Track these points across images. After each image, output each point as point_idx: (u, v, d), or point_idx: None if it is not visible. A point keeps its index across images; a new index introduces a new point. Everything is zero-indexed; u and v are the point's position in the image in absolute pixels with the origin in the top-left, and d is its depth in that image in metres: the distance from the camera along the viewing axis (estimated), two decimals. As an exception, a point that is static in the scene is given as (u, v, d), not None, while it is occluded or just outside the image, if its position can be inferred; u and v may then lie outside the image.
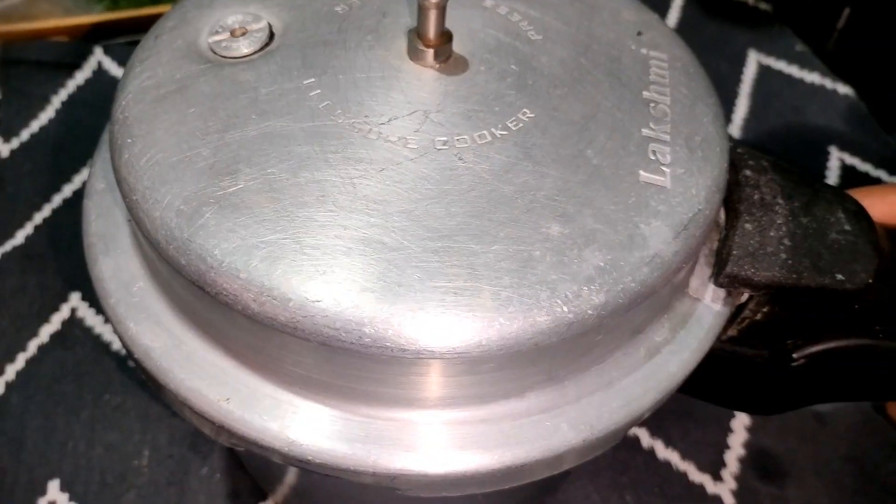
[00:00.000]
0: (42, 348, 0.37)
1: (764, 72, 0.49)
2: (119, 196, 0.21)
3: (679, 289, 0.22)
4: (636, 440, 0.35)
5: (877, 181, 0.44)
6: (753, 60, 0.50)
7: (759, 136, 0.46)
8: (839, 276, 0.22)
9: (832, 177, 0.44)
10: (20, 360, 0.36)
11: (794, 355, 0.23)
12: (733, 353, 0.23)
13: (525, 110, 0.21)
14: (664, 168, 0.20)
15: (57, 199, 0.42)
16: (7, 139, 0.44)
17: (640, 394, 0.20)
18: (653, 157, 0.20)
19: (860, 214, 0.23)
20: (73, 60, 0.47)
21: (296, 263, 0.17)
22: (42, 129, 0.45)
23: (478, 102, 0.21)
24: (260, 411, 0.19)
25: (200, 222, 0.18)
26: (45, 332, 0.37)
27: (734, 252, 0.21)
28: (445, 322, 0.17)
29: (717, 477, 0.34)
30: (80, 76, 0.47)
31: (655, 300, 0.20)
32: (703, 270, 0.22)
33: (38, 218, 0.41)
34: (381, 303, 0.17)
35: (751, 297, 0.22)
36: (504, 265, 0.18)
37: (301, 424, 0.19)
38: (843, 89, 0.48)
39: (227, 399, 0.19)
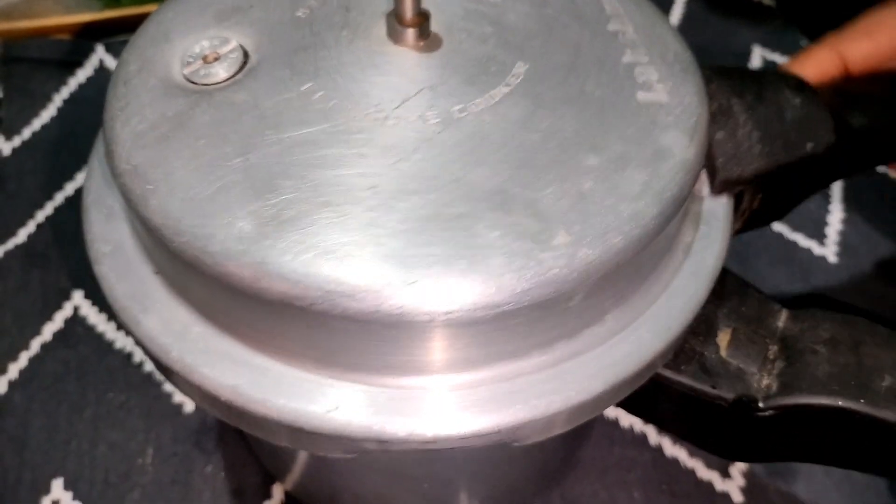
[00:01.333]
0: (45, 346, 0.36)
1: (769, 68, 0.49)
2: (135, 253, 0.21)
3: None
4: (644, 437, 0.34)
5: (883, 176, 0.44)
6: (758, 56, 0.49)
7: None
8: (810, 145, 0.24)
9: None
10: (23, 359, 0.36)
11: (761, 405, 0.22)
12: (693, 390, 0.23)
13: (518, 64, 0.22)
14: (656, 86, 0.22)
15: (59, 197, 0.42)
16: (9, 137, 0.44)
17: (693, 291, 0.22)
18: (642, 79, 0.22)
19: (801, 85, 0.25)
20: (75, 58, 0.47)
21: (378, 258, 0.18)
22: (44, 127, 0.45)
23: (474, 67, 0.22)
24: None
25: (268, 242, 0.18)
26: (48, 330, 0.37)
27: (718, 160, 0.23)
28: (533, 266, 0.18)
29: (725, 474, 0.33)
30: (82, 74, 0.47)
31: (684, 204, 0.21)
32: None
33: (41, 216, 0.41)
34: (475, 270, 0.18)
35: (743, 191, 0.24)
36: (564, 203, 0.19)
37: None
38: (849, 84, 0.48)
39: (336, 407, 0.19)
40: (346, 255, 0.18)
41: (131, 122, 0.20)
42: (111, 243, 0.22)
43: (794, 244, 0.41)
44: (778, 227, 0.41)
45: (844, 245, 0.41)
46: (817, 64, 0.30)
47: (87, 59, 0.47)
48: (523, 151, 0.20)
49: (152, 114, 0.20)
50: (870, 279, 0.39)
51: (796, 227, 0.41)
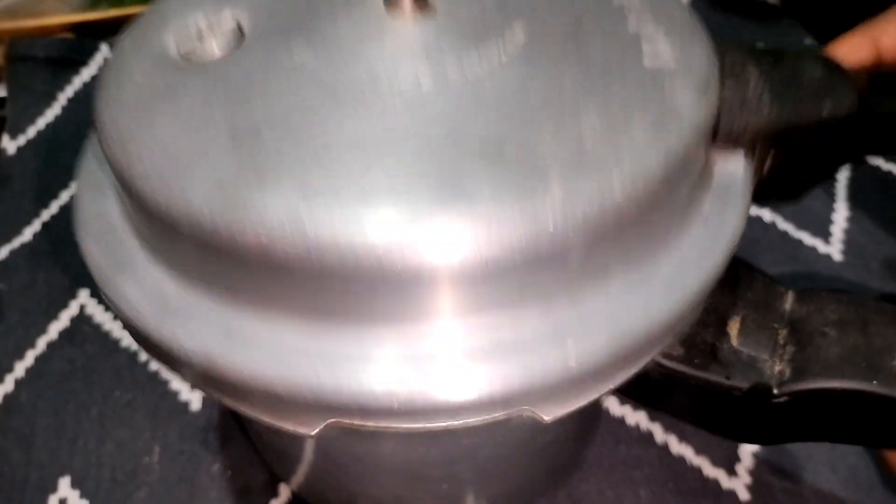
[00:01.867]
0: (51, 345, 0.36)
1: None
2: (122, 225, 0.21)
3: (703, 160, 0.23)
4: (650, 435, 0.34)
5: (888, 173, 0.44)
6: (762, 54, 0.49)
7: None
8: (826, 110, 0.23)
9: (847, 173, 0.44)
10: (29, 357, 0.36)
11: (776, 391, 0.22)
12: (707, 382, 0.23)
13: (517, 33, 0.21)
14: (662, 53, 0.21)
15: (64, 196, 0.42)
16: (14, 136, 0.44)
17: (710, 262, 0.21)
18: (647, 47, 0.21)
19: (828, 60, 0.25)
20: (80, 57, 0.47)
21: (362, 210, 0.17)
22: (49, 126, 0.45)
23: (473, 31, 0.21)
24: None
25: (245, 192, 0.17)
26: (54, 328, 0.37)
27: (723, 110, 0.23)
28: (527, 220, 0.17)
29: (731, 472, 0.33)
30: (87, 73, 0.47)
31: (695, 168, 0.21)
32: None
33: (46, 215, 0.41)
34: (465, 224, 0.17)
35: (753, 153, 0.24)
36: (562, 157, 0.18)
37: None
38: (853, 83, 0.48)
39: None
40: (325, 206, 0.17)
41: (120, 91, 0.21)
42: (100, 217, 0.22)
43: (798, 242, 0.41)
44: (783, 225, 0.41)
45: (849, 243, 0.41)
46: (851, 50, 0.29)
47: (92, 58, 0.47)
48: (525, 108, 0.19)
49: (143, 84, 0.20)
50: (875, 277, 0.39)
51: (801, 226, 0.41)
